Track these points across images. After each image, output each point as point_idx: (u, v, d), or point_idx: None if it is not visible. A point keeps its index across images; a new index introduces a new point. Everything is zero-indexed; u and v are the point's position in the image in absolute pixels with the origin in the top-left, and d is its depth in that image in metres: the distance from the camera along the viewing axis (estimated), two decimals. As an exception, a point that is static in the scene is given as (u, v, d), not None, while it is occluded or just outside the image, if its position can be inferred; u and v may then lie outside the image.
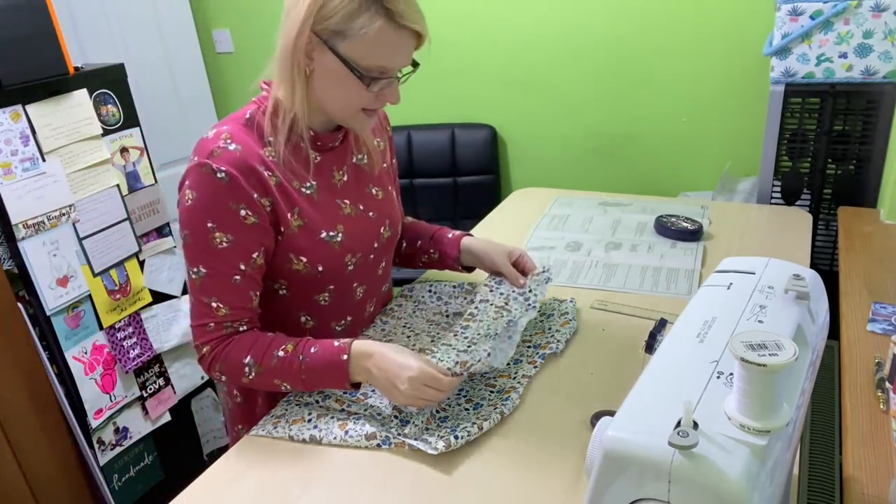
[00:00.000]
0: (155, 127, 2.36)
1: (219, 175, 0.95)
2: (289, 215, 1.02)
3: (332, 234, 1.06)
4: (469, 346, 1.02)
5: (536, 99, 2.41)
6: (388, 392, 0.95)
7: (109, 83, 1.75)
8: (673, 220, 1.56)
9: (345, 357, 0.97)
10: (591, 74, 2.32)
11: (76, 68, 1.69)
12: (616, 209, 1.73)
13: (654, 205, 1.72)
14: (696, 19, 2.12)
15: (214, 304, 0.99)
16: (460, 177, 2.59)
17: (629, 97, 2.30)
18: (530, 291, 1.16)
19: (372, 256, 1.15)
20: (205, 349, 1.01)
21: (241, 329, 1.01)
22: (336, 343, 0.99)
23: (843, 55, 1.64)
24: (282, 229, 1.02)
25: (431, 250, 1.28)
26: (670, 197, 1.90)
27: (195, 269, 0.99)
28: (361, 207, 1.12)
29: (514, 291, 1.17)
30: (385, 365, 0.95)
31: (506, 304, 1.13)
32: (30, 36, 1.56)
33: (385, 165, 1.20)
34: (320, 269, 1.06)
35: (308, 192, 1.05)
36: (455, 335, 1.07)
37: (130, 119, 1.81)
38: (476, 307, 1.15)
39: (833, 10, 1.60)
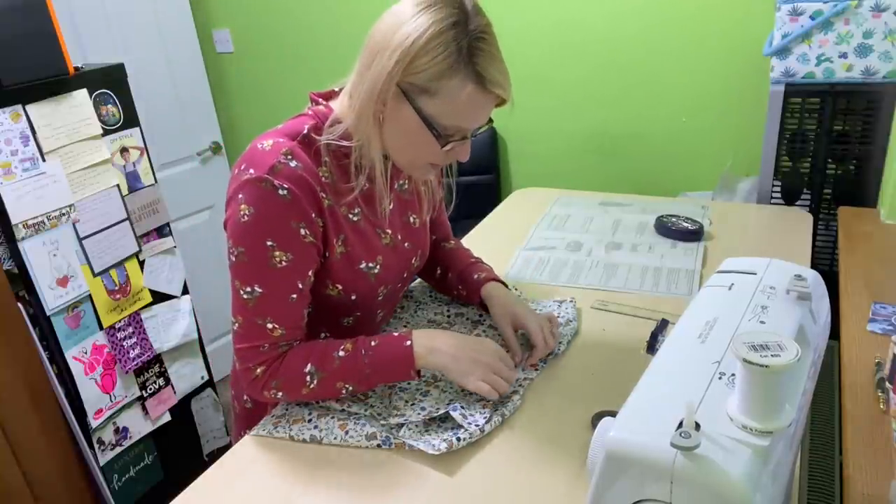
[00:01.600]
0: (155, 127, 2.36)
1: (280, 192, 0.91)
2: (334, 240, 0.99)
3: (370, 265, 1.04)
4: None
5: (537, 99, 2.41)
6: (462, 365, 0.94)
7: (109, 83, 1.75)
8: (673, 220, 1.56)
9: (408, 343, 0.96)
10: (592, 74, 2.32)
11: (76, 68, 1.69)
12: (616, 209, 1.73)
13: (654, 205, 1.72)
14: (696, 19, 2.12)
15: (270, 326, 0.95)
16: (460, 177, 2.58)
17: (629, 97, 2.30)
18: None
19: (399, 285, 1.15)
20: (258, 370, 0.96)
21: (294, 346, 0.99)
22: (395, 333, 0.99)
23: (843, 55, 1.64)
24: (326, 254, 1.00)
25: (460, 286, 1.24)
26: (670, 197, 1.90)
27: (248, 289, 0.94)
28: (399, 237, 1.10)
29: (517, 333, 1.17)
30: (457, 341, 0.96)
31: None
32: (30, 36, 1.56)
33: (423, 188, 1.16)
34: (353, 297, 1.05)
35: (355, 219, 1.02)
36: None
37: (130, 119, 1.81)
38: (484, 331, 1.16)
39: (833, 10, 1.60)
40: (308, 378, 0.95)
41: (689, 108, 2.23)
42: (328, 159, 0.98)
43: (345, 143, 0.97)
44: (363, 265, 1.04)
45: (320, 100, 1.03)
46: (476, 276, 1.21)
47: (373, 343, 0.97)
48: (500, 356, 0.99)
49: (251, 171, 0.92)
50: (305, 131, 0.97)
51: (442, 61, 0.87)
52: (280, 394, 0.97)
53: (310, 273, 0.98)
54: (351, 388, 0.97)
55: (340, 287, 1.03)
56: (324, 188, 0.96)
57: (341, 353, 0.96)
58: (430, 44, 0.87)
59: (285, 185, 0.91)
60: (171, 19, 2.53)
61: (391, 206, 1.08)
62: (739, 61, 2.11)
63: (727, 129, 2.20)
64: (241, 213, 0.92)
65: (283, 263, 0.94)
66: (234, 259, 0.94)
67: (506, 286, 1.20)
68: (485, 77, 0.90)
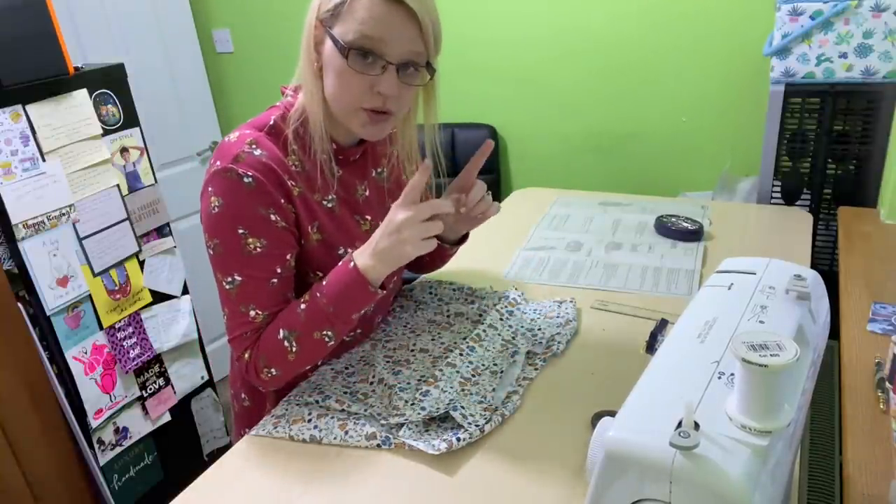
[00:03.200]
0: (155, 127, 2.36)
1: (245, 180, 0.92)
2: (309, 228, 1.00)
3: (350, 250, 1.04)
4: (473, 376, 1.03)
5: (537, 98, 2.41)
6: (398, 251, 0.92)
7: (109, 83, 1.75)
8: (673, 220, 1.56)
9: (352, 265, 0.95)
10: (592, 74, 2.32)
11: (76, 68, 1.69)
12: (616, 209, 1.73)
13: (654, 205, 1.72)
14: (696, 19, 2.12)
15: (252, 313, 0.96)
16: (460, 177, 2.59)
17: (629, 97, 2.30)
18: (539, 329, 1.17)
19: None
20: (246, 355, 0.98)
21: None
22: (340, 264, 0.98)
23: (843, 55, 1.64)
24: (302, 242, 1.01)
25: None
26: (670, 197, 1.90)
27: (229, 279, 0.95)
28: (379, 223, 1.10)
29: (522, 326, 1.17)
30: (379, 236, 0.94)
31: (513, 337, 1.14)
32: (30, 36, 1.56)
33: (404, 178, 1.17)
34: None
35: (329, 205, 1.03)
36: (461, 354, 1.07)
37: (130, 119, 1.81)
38: (484, 330, 1.16)
39: (833, 10, 1.60)
40: (286, 343, 0.96)
41: (689, 108, 2.23)
42: (296, 147, 0.99)
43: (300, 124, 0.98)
44: (342, 251, 1.04)
45: (288, 91, 1.04)
46: None
47: (324, 283, 0.97)
48: (418, 216, 0.92)
49: (217, 163, 0.94)
50: (272, 122, 0.99)
51: None
52: (273, 370, 0.97)
53: (288, 257, 0.98)
54: (331, 334, 0.97)
55: (321, 274, 1.03)
56: (292, 176, 0.97)
57: (302, 307, 0.96)
58: None
59: (249, 173, 0.93)
60: (171, 19, 2.53)
61: (367, 194, 1.09)
62: (739, 61, 2.11)
63: (727, 129, 2.20)
64: (212, 205, 0.94)
65: (258, 249, 0.95)
66: (211, 252, 0.96)
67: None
68: None
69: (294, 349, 0.96)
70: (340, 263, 0.98)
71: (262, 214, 0.94)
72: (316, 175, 1.01)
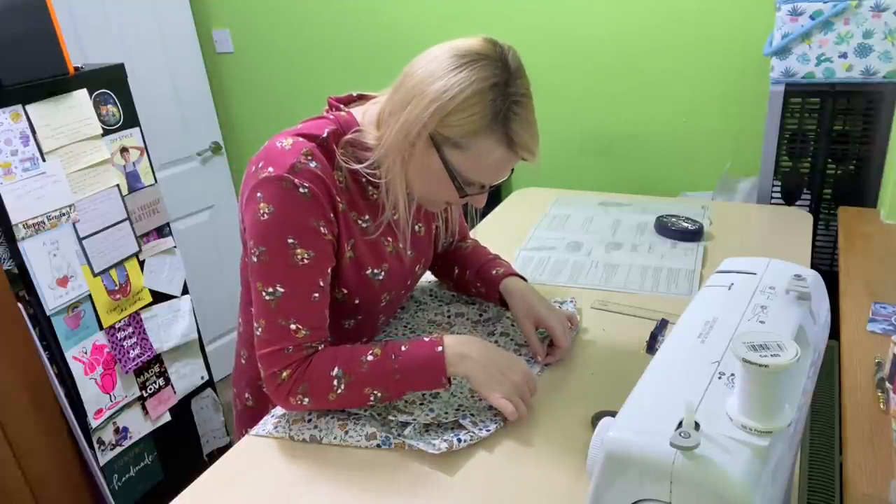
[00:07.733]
0: (155, 127, 2.35)
1: (301, 190, 0.91)
2: (345, 245, 1.00)
3: (376, 271, 1.04)
4: None
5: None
6: (491, 378, 0.94)
7: (109, 83, 1.75)
8: (673, 220, 1.56)
9: (439, 349, 0.94)
10: (591, 74, 2.32)
11: (76, 68, 1.69)
12: (616, 209, 1.73)
13: (654, 205, 1.72)
14: (696, 19, 2.12)
15: (293, 326, 0.93)
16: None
17: (629, 97, 2.30)
18: (539, 330, 1.16)
19: (403, 291, 1.15)
20: (284, 374, 0.93)
21: (319, 348, 0.96)
22: (425, 339, 0.97)
23: (843, 55, 1.64)
24: (337, 257, 1.00)
25: (478, 283, 1.23)
26: (670, 197, 1.90)
27: (270, 290, 0.92)
28: (400, 247, 1.10)
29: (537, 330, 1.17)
30: (489, 352, 0.96)
31: (525, 342, 1.14)
32: (30, 36, 1.56)
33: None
34: (357, 302, 1.05)
35: (364, 225, 1.02)
36: None
37: (130, 119, 1.81)
38: (496, 340, 1.16)
39: (833, 10, 1.60)
40: (335, 382, 0.93)
41: (690, 109, 2.23)
42: (344, 165, 0.98)
43: (368, 171, 0.97)
44: (369, 271, 1.04)
45: (341, 105, 1.02)
46: (494, 272, 1.20)
47: (403, 348, 0.95)
48: (528, 378, 0.98)
49: (270, 169, 0.92)
50: (325, 135, 0.97)
51: (477, 121, 0.88)
52: (306, 400, 0.94)
53: (328, 271, 0.98)
54: (379, 395, 0.94)
55: (346, 291, 1.03)
56: (339, 192, 0.97)
57: (370, 358, 0.94)
58: (468, 102, 0.87)
59: (305, 184, 0.91)
60: (171, 19, 2.53)
61: (396, 217, 1.09)
62: (739, 61, 2.11)
63: (727, 129, 2.20)
64: (261, 211, 0.91)
65: (305, 261, 0.93)
66: (255, 259, 0.93)
67: (524, 280, 1.19)
68: (516, 142, 0.91)
69: (340, 391, 0.93)
70: (428, 340, 0.96)
71: (313, 226, 0.93)
72: (357, 194, 1.00)
